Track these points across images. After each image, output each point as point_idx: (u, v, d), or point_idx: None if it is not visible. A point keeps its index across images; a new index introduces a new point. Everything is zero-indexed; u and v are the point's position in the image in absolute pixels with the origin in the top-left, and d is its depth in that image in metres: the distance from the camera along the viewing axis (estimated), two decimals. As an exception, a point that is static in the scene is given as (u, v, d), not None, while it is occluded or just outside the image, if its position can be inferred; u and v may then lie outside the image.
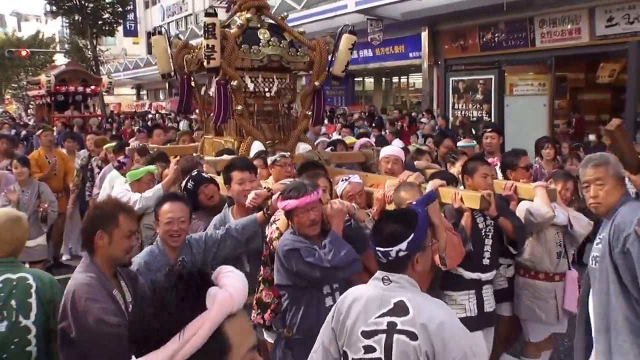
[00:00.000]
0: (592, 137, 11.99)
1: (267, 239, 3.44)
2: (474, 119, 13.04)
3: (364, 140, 6.42)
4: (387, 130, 12.57)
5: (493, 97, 12.40)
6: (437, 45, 16.83)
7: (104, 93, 20.81)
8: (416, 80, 20.67)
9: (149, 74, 33.03)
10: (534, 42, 14.32)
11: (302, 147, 5.46)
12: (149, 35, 40.04)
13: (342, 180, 3.83)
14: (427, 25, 16.47)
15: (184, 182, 4.19)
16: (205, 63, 4.91)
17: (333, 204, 3.27)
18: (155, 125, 8.69)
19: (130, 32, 35.94)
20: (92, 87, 19.30)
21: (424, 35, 16.71)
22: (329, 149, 5.89)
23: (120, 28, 31.25)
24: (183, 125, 20.68)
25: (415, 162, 4.96)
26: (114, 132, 16.03)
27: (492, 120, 12.62)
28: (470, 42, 15.81)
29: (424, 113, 16.05)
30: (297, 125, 5.58)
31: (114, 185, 5.86)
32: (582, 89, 15.77)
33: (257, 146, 5.22)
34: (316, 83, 5.48)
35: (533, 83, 15.95)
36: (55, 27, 43.31)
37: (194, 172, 4.19)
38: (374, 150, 5.63)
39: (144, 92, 41.39)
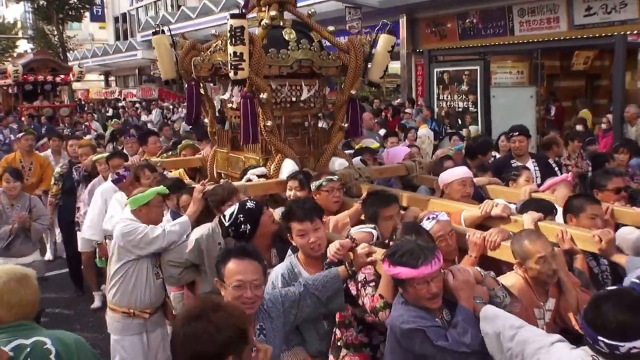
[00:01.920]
0: (579, 127, 11.42)
1: (368, 308, 2.59)
2: (460, 109, 12.33)
3: (407, 149, 5.37)
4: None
5: (479, 88, 11.65)
6: (415, 33, 16.15)
7: (74, 82, 19.12)
8: (391, 65, 19.84)
9: (117, 60, 31.03)
10: (513, 30, 13.80)
11: (338, 163, 4.46)
12: (116, 20, 37.58)
13: (428, 219, 2.91)
14: (404, 12, 15.76)
15: (228, 217, 3.21)
16: (231, 74, 3.81)
17: (457, 272, 2.39)
18: (149, 132, 7.37)
19: (98, 17, 33.45)
20: (62, 76, 17.74)
21: (402, 23, 15.98)
22: (357, 159, 4.87)
23: (87, 13, 28.98)
24: (155, 114, 19.19)
25: (476, 179, 3.99)
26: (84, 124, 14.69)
27: (478, 111, 11.93)
28: (448, 31, 15.16)
29: (406, 102, 15.26)
30: (331, 138, 4.55)
31: (108, 204, 4.76)
32: (557, 75, 15.33)
33: (289, 165, 4.19)
34: (352, 92, 4.46)
35: (512, 71, 15.38)
36: (17, 12, 40.05)
37: (245, 205, 3.17)
38: (417, 162, 4.67)
39: (112, 78, 38.91)
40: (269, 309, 2.46)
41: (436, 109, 12.92)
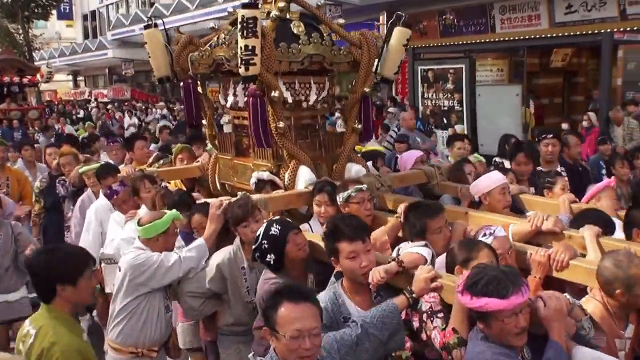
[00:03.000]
0: (564, 125, 11.34)
1: (438, 344, 2.22)
2: (445, 108, 12.17)
3: (416, 153, 4.97)
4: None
5: (464, 87, 11.50)
6: (396, 30, 15.88)
7: (42, 83, 18.25)
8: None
9: (87, 60, 29.96)
10: (494, 28, 13.71)
11: (355, 170, 4.07)
12: (85, 18, 36.27)
13: (485, 235, 2.57)
14: (385, 10, 15.53)
15: (254, 241, 2.86)
16: (242, 70, 3.40)
17: (549, 300, 2.05)
18: (135, 136, 6.70)
19: (65, 15, 32.17)
20: (29, 76, 16.82)
21: (382, 20, 15.76)
22: (369, 164, 4.49)
23: (54, 11, 27.79)
24: (127, 119, 18.28)
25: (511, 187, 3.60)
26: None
27: (464, 110, 11.80)
28: (429, 28, 14.99)
29: (388, 102, 15.03)
30: (345, 141, 4.18)
31: (104, 226, 4.27)
32: (536, 73, 15.31)
33: (306, 174, 3.80)
34: (366, 89, 4.10)
35: (492, 69, 15.29)
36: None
37: (269, 231, 2.80)
38: (435, 167, 4.33)
39: (81, 78, 37.59)
40: (323, 358, 2.07)
41: (421, 108, 12.77)
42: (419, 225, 2.78)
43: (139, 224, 3.19)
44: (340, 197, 3.23)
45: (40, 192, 5.70)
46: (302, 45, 3.82)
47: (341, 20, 4.21)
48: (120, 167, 5.07)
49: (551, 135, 4.72)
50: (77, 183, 5.12)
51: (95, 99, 26.56)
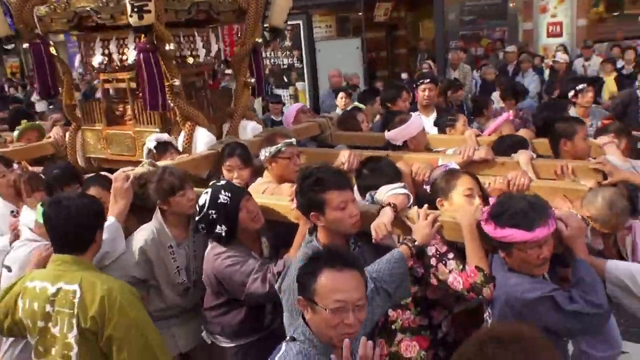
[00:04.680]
0: (404, 75, 11.98)
1: (462, 286, 2.11)
2: (285, 66, 12.10)
3: (296, 105, 4.71)
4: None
5: (303, 43, 11.53)
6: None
7: None
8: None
9: None
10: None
11: (251, 127, 3.76)
12: None
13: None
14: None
15: (199, 211, 2.47)
16: (134, 19, 2.82)
17: (569, 220, 2.05)
18: None
19: None
20: None
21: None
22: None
23: None
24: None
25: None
26: None
27: (304, 67, 11.87)
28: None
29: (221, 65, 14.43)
30: (238, 98, 3.81)
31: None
32: (362, 28, 15.91)
33: (204, 136, 3.40)
34: (258, 40, 3.76)
35: (320, 25, 15.54)
36: None
37: (217, 198, 2.42)
38: (327, 118, 4.21)
39: None
40: None
41: (261, 66, 12.50)
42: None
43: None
44: (266, 152, 2.93)
45: None
46: (188, -9, 3.34)
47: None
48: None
49: (428, 80, 4.89)
50: None
51: None
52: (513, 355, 1.17)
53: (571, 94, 4.39)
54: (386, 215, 2.19)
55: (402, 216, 2.24)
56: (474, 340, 1.25)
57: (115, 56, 3.41)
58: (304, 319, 1.73)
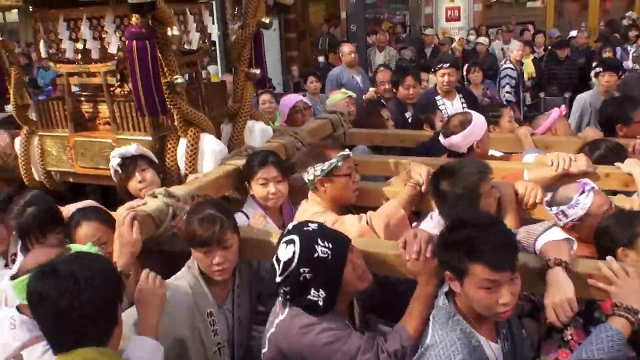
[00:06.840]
0: (321, 59, 11.48)
1: None
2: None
3: (295, 97, 4.03)
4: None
5: (216, 26, 10.86)
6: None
7: None
8: None
9: None
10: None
11: (259, 129, 3.03)
12: None
13: (583, 192, 2.00)
14: None
15: (281, 269, 1.75)
16: None
17: None
18: None
19: None
20: None
21: None
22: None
23: None
24: None
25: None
26: None
27: (217, 50, 11.10)
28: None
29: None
30: (243, 93, 3.07)
31: None
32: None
33: (213, 144, 2.65)
34: (264, 20, 3.03)
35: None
36: None
37: (313, 252, 1.71)
38: (339, 114, 3.56)
39: None
40: None
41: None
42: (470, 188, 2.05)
43: (13, 277, 1.75)
44: (316, 171, 2.26)
45: None
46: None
47: None
48: None
49: (448, 65, 4.34)
50: None
51: None
52: None
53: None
54: (566, 284, 1.59)
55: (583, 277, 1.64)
56: None
57: (89, 43, 2.57)
58: None
